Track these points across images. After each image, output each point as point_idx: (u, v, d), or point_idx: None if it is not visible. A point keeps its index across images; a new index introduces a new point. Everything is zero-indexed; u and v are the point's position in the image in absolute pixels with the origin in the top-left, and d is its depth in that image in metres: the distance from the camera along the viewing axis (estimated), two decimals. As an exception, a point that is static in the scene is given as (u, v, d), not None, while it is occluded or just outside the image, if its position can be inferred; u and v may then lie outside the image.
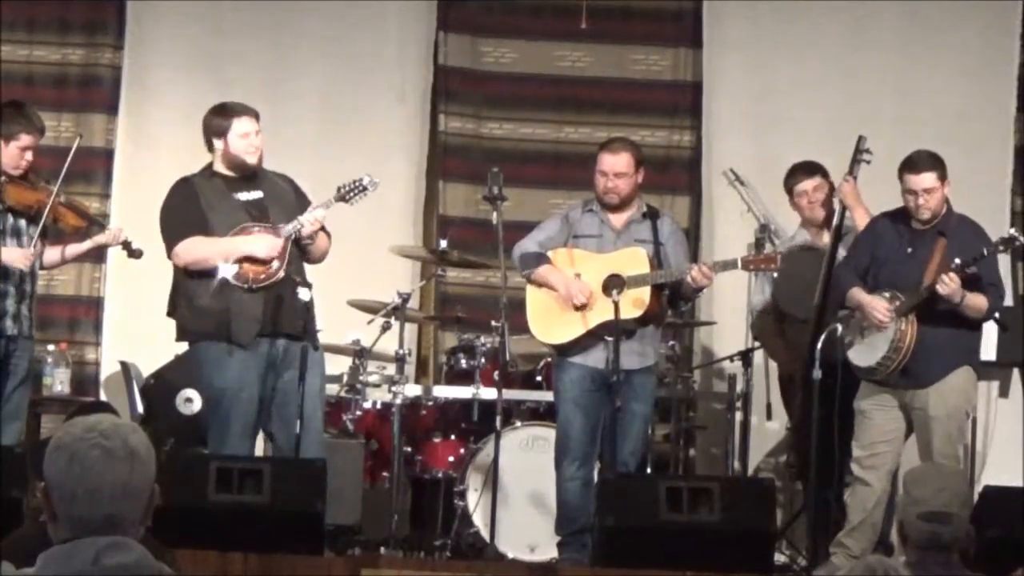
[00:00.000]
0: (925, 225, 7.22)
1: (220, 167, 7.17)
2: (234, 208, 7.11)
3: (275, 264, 7.04)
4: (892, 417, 7.23)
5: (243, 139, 7.12)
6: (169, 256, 7.11)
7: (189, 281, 7.09)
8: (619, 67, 9.38)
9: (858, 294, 7.24)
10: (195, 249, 7.05)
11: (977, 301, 7.08)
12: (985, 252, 7.03)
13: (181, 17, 9.23)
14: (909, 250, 7.23)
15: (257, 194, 7.16)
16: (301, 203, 7.22)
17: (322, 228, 7.22)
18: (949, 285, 6.96)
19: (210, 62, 9.24)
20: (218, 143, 7.15)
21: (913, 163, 7.21)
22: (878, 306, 7.12)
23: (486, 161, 8.53)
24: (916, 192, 7.16)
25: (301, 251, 7.16)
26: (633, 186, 7.35)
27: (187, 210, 7.10)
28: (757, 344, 8.56)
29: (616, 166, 7.32)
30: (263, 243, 7.05)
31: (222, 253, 7.02)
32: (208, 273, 7.04)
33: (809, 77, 9.26)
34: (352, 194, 7.15)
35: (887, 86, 9.24)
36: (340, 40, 9.29)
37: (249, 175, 7.17)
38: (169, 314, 7.19)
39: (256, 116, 7.17)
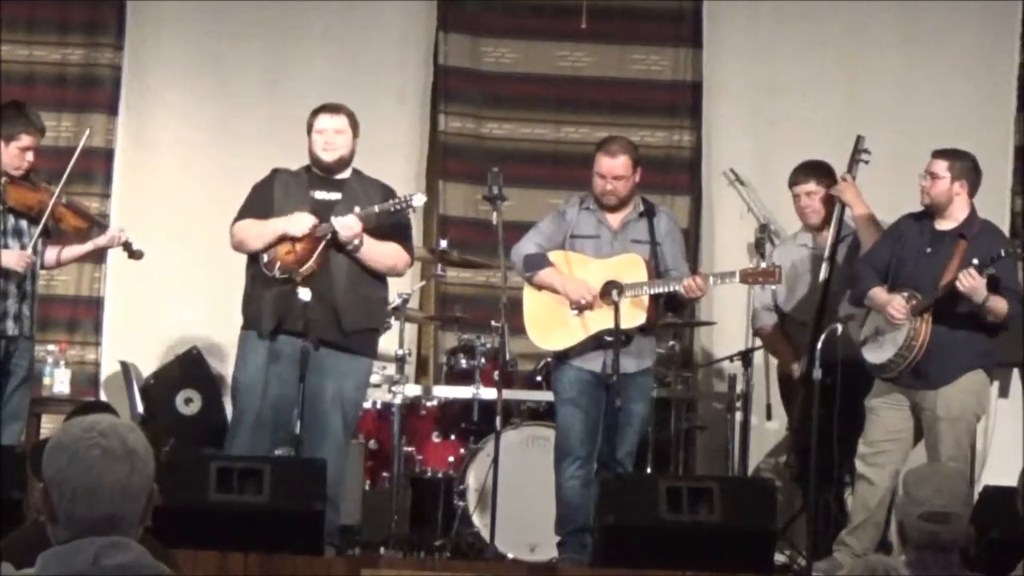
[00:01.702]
0: (946, 224, 7.21)
1: (311, 163, 7.30)
2: (302, 203, 7.19)
3: (304, 258, 7.06)
4: (902, 416, 7.23)
5: (319, 135, 7.24)
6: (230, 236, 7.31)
7: (249, 268, 7.27)
8: (619, 67, 9.37)
9: (879, 295, 7.23)
10: (240, 231, 7.21)
11: (999, 304, 7.06)
12: (1003, 252, 7.03)
13: (181, 17, 9.22)
14: (929, 250, 7.24)
15: (335, 196, 7.23)
16: (386, 217, 7.19)
17: (401, 241, 7.23)
18: (970, 281, 6.93)
19: (210, 62, 9.23)
20: (308, 140, 7.27)
21: (938, 150, 7.30)
22: (895, 304, 7.12)
23: (486, 161, 8.52)
24: (923, 174, 7.20)
25: (350, 256, 7.16)
26: (631, 187, 7.34)
27: (257, 195, 7.27)
28: (758, 344, 8.57)
29: (614, 169, 7.31)
30: (294, 219, 7.11)
31: (260, 235, 7.15)
32: (254, 259, 7.20)
33: (809, 77, 9.25)
34: (397, 207, 7.17)
35: (887, 86, 9.24)
36: (340, 40, 9.28)
37: (336, 176, 7.24)
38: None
39: (341, 114, 7.26)
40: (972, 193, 7.27)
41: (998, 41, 9.23)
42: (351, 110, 7.36)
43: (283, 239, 7.13)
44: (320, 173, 7.27)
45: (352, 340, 7.16)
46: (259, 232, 7.16)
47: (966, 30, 9.21)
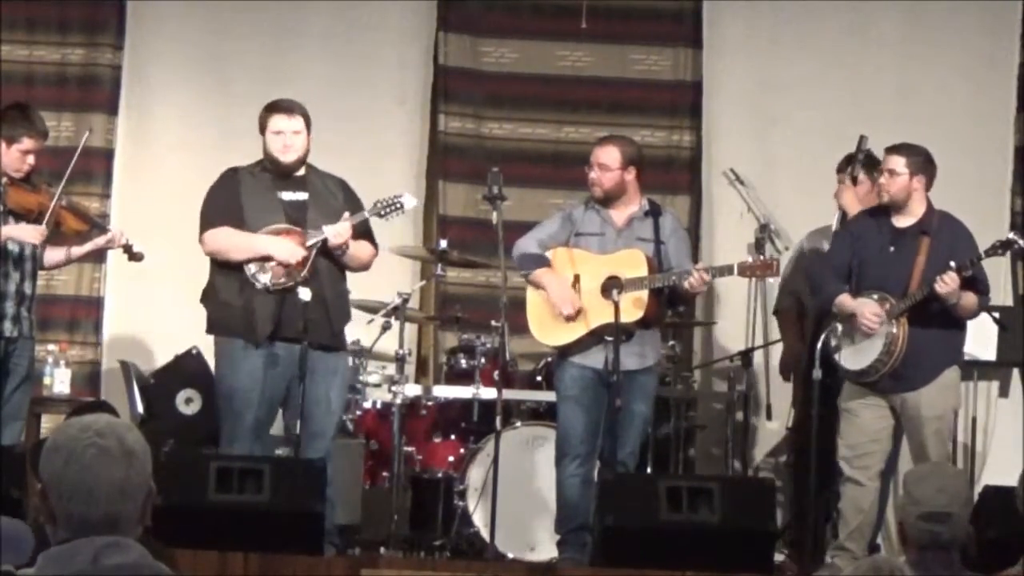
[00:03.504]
0: (905, 220, 7.21)
1: (266, 161, 7.21)
2: (273, 206, 7.13)
3: (294, 272, 7.03)
4: (880, 416, 7.22)
5: (276, 136, 7.14)
6: (200, 241, 7.18)
7: (217, 272, 7.16)
8: (619, 67, 9.37)
9: (846, 301, 7.22)
10: (220, 240, 7.11)
11: (970, 300, 7.11)
12: (983, 255, 7.05)
13: (181, 17, 9.22)
14: (892, 249, 7.22)
15: (302, 196, 7.18)
16: (350, 208, 7.20)
17: (369, 238, 7.23)
18: (949, 285, 6.96)
19: (210, 62, 9.24)
20: (262, 138, 7.20)
21: (894, 146, 7.26)
22: (867, 313, 7.11)
23: (486, 161, 8.52)
24: (882, 171, 7.20)
25: (332, 258, 7.16)
26: (617, 182, 7.30)
27: (225, 199, 7.15)
28: (758, 344, 8.57)
29: (599, 157, 7.32)
30: (285, 247, 7.05)
31: (243, 249, 7.06)
32: (233, 267, 7.09)
33: (809, 77, 9.25)
34: (387, 210, 7.18)
35: (888, 86, 9.24)
36: (340, 40, 9.29)
37: (295, 174, 7.18)
38: (201, 301, 7.27)
39: (296, 114, 7.17)
40: (929, 187, 7.26)
41: (998, 41, 9.23)
42: (303, 107, 7.27)
43: (265, 257, 7.10)
44: (280, 172, 7.20)
45: (336, 339, 7.18)
46: (244, 247, 7.06)
47: (966, 30, 9.21)
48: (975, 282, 7.11)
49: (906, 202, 7.21)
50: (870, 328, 7.09)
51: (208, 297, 7.22)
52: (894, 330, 7.10)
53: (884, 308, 7.11)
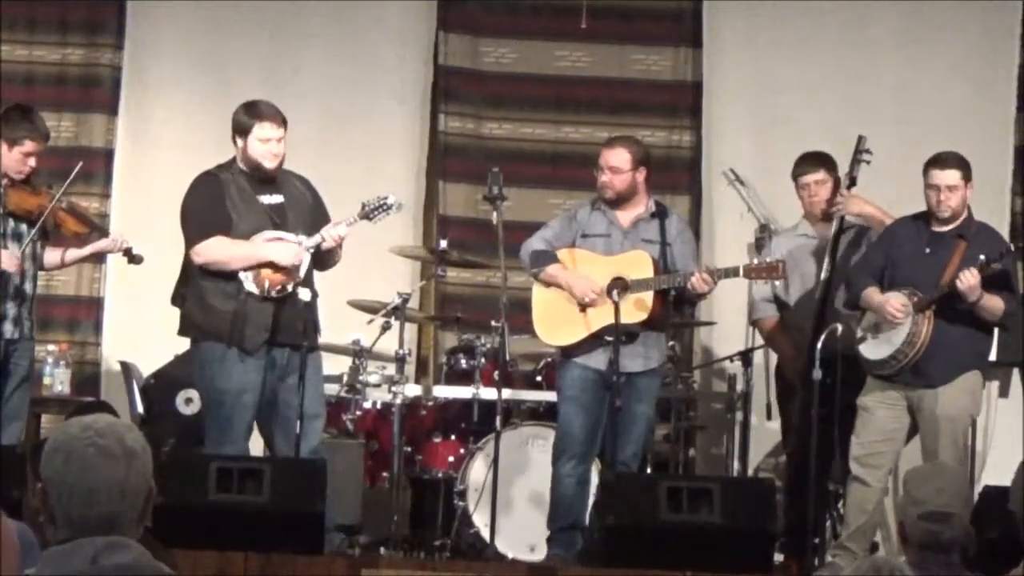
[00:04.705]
0: (944, 225, 7.20)
1: (242, 164, 7.14)
2: (258, 211, 7.07)
3: (292, 276, 7.01)
4: (896, 415, 7.21)
5: (262, 144, 7.05)
6: (188, 251, 7.10)
7: (203, 278, 7.06)
8: (619, 67, 9.38)
9: (873, 295, 7.22)
10: (217, 250, 7.02)
11: (993, 303, 7.07)
12: (1012, 247, 7.05)
13: (181, 17, 9.23)
14: (927, 251, 7.23)
15: (279, 198, 7.13)
16: (317, 208, 7.19)
17: None
18: (968, 280, 6.94)
19: (210, 62, 9.24)
20: (239, 141, 7.11)
21: (940, 159, 7.22)
22: (893, 302, 7.11)
23: (486, 161, 8.53)
24: (939, 188, 7.17)
25: (315, 261, 7.15)
26: (629, 183, 7.31)
27: (211, 207, 7.05)
28: (758, 343, 8.56)
29: (610, 160, 7.31)
30: (288, 252, 7.01)
31: (245, 258, 7.00)
32: (224, 274, 7.03)
33: (809, 77, 9.26)
34: (376, 212, 7.14)
35: (887, 86, 9.24)
36: (340, 40, 9.29)
37: (269, 177, 7.13)
38: (174, 303, 7.19)
39: (282, 122, 7.08)
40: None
41: (998, 41, 9.23)
42: (280, 110, 7.17)
43: (264, 264, 7.06)
44: (253, 174, 7.11)
45: (317, 338, 7.18)
46: (246, 256, 6.99)
47: (966, 30, 9.21)
48: (1006, 280, 7.09)
49: (962, 212, 7.21)
50: (894, 316, 7.09)
51: (189, 300, 7.12)
52: (919, 322, 7.10)
53: (912, 301, 7.11)
